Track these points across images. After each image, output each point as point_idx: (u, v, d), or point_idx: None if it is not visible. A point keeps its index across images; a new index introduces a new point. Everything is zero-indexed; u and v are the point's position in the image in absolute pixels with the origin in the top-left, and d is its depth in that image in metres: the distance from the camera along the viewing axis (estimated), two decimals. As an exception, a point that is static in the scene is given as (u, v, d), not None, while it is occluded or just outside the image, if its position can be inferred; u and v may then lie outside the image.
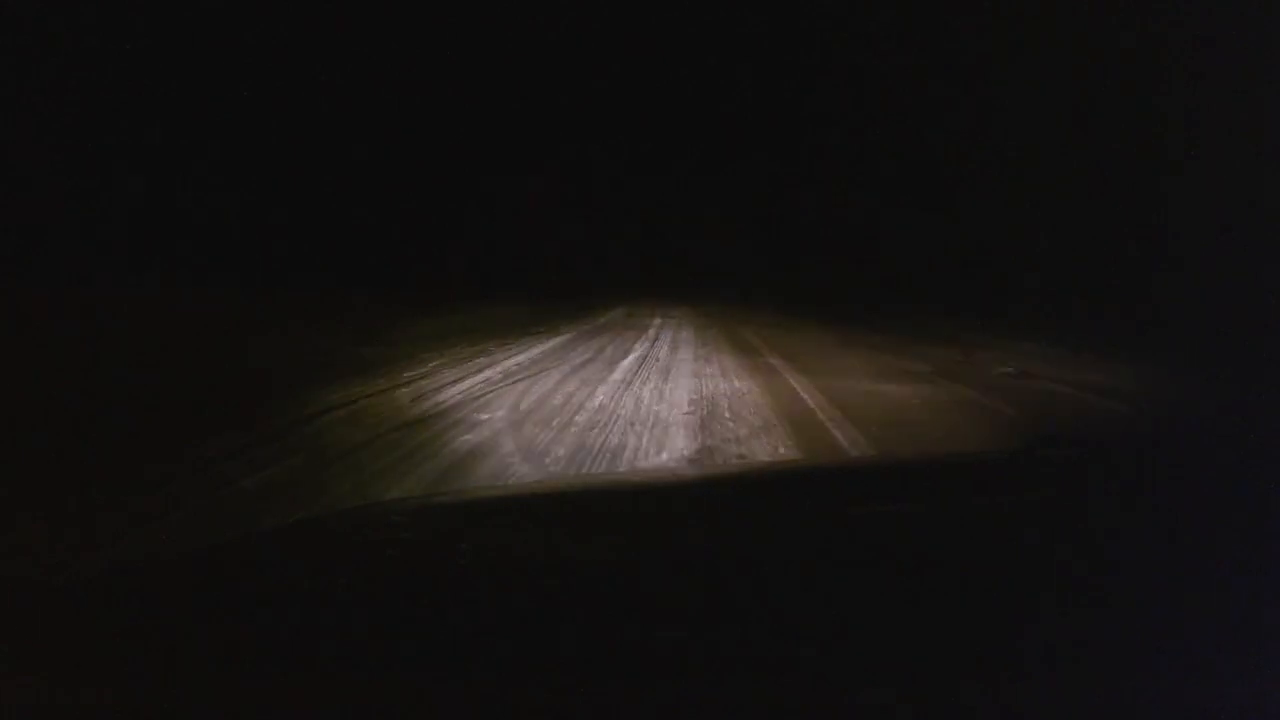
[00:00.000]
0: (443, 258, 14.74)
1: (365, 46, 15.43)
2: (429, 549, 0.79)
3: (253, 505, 2.44)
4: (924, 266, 15.73)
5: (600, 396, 4.33)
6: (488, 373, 5.05)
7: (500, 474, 2.80)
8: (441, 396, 4.18)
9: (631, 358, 6.23)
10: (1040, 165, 13.12)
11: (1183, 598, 0.61)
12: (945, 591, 0.63)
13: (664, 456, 3.12)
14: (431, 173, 16.59)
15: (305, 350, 5.92)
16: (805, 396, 4.56)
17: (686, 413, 3.96)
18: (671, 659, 0.51)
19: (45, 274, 7.62)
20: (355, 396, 4.04)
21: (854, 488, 1.17)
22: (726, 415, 3.93)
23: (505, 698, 0.46)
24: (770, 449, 3.33)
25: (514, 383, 4.70)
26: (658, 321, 9.98)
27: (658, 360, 6.14)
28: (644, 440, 3.35)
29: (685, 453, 3.20)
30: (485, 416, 3.69)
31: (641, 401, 4.23)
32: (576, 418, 3.74)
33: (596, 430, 3.50)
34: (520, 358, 5.88)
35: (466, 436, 3.29)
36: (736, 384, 5.01)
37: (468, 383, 4.64)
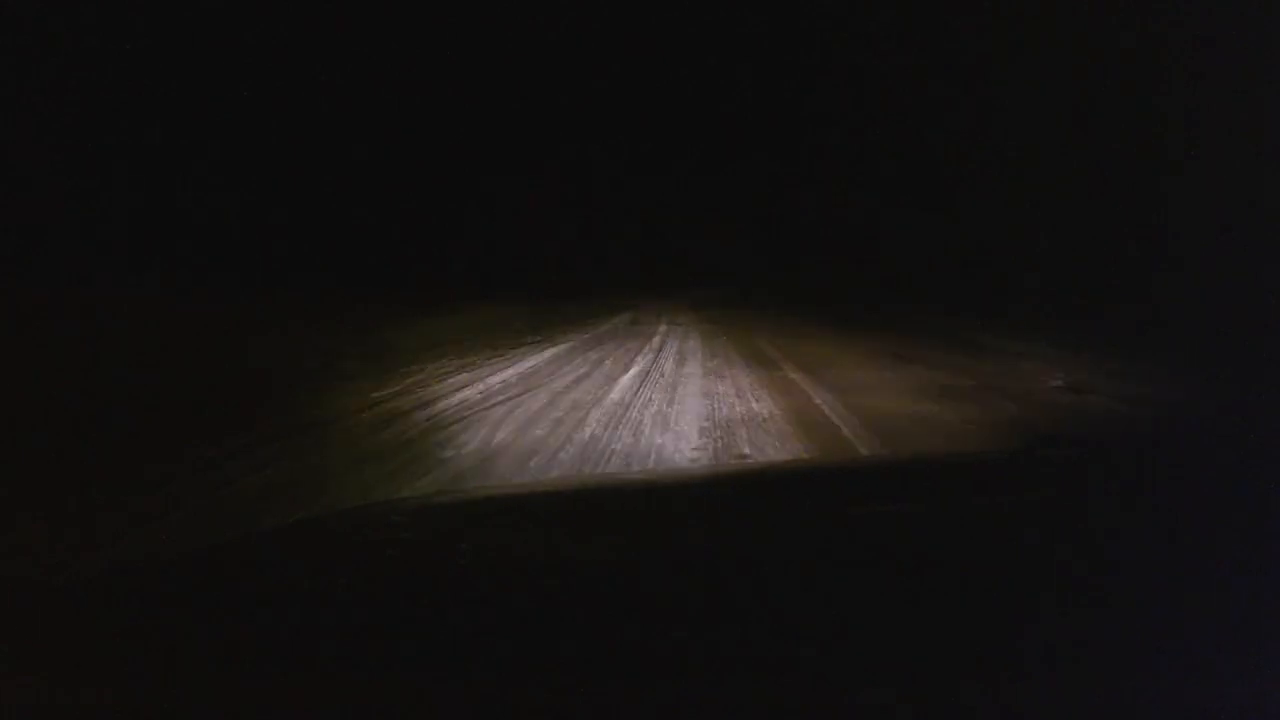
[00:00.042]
0: (443, 258, 14.74)
1: (365, 46, 15.44)
2: (429, 549, 0.80)
3: (253, 505, 2.44)
4: (924, 266, 15.74)
5: (592, 425, 3.79)
6: (467, 392, 4.55)
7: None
8: (407, 424, 3.72)
9: (633, 373, 5.61)
10: (1040, 165, 13.13)
11: (1183, 598, 0.61)
12: (945, 591, 0.63)
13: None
14: (431, 173, 16.60)
15: (284, 358, 5.69)
16: (837, 422, 4.00)
17: (696, 448, 3.40)
18: (671, 659, 0.51)
19: (45, 274, 7.62)
20: (309, 423, 3.64)
21: (854, 488, 1.17)
22: (747, 451, 3.41)
23: (505, 698, 0.46)
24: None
25: (494, 405, 4.20)
26: (662, 329, 9.26)
27: (663, 376, 5.47)
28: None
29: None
30: (449, 454, 3.22)
31: (642, 431, 3.68)
32: (560, 455, 3.24)
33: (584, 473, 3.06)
34: (508, 372, 5.37)
35: (420, 481, 2.86)
36: (755, 406, 4.39)
37: (442, 405, 4.19)
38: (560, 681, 0.48)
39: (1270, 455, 1.27)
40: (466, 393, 4.57)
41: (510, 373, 5.38)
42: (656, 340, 8.00)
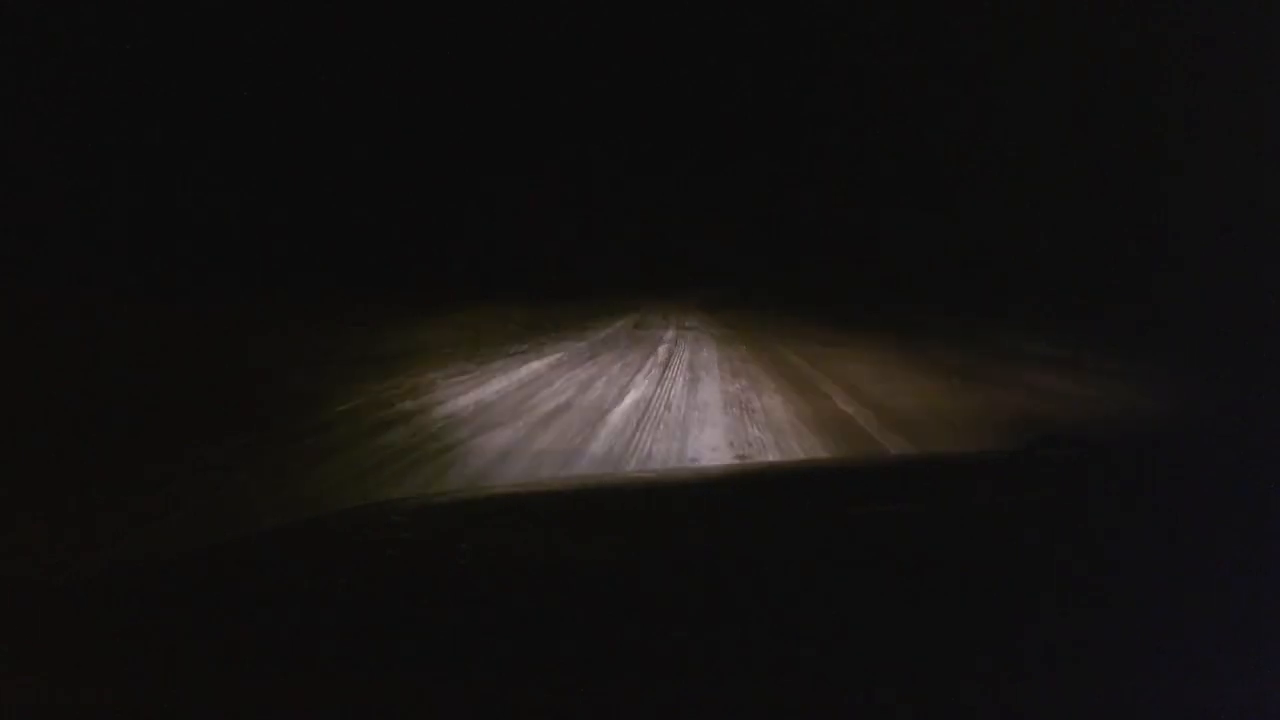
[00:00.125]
0: (443, 258, 14.74)
1: (365, 46, 15.42)
2: (429, 549, 0.80)
3: (253, 505, 2.44)
4: (924, 266, 15.73)
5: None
6: (420, 419, 3.68)
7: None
8: (320, 472, 2.87)
9: (630, 398, 4.46)
10: (1040, 165, 13.12)
11: (1183, 598, 0.61)
12: (945, 591, 0.64)
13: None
14: (431, 173, 16.59)
15: (284, 358, 5.51)
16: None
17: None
18: (671, 659, 0.51)
19: (45, 274, 7.62)
20: (235, 463, 2.87)
21: (854, 488, 1.17)
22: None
23: (505, 698, 0.46)
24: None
25: (444, 451, 3.20)
26: (670, 335, 8.32)
27: (669, 408, 4.19)
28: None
29: None
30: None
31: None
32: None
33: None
34: (477, 394, 4.45)
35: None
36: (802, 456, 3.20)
37: (377, 442, 3.29)
38: (560, 681, 0.48)
39: (1270, 455, 1.27)
40: (420, 419, 3.68)
41: (480, 394, 4.47)
42: (663, 352, 6.91)
